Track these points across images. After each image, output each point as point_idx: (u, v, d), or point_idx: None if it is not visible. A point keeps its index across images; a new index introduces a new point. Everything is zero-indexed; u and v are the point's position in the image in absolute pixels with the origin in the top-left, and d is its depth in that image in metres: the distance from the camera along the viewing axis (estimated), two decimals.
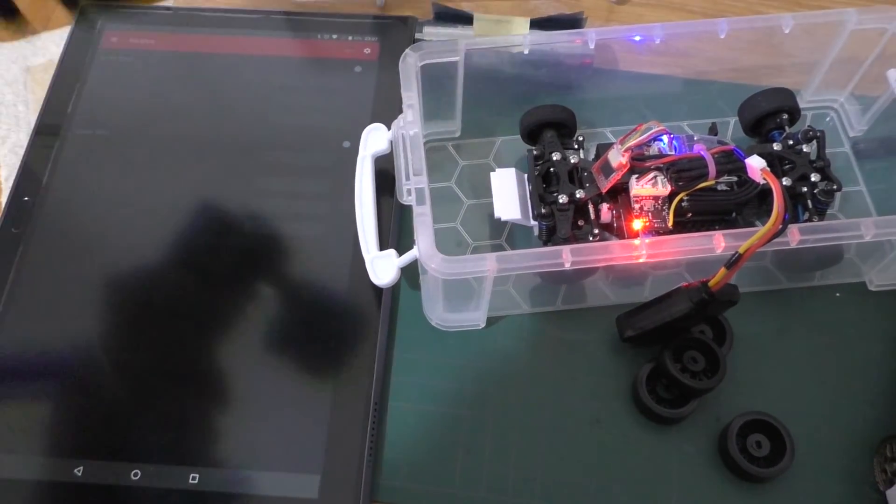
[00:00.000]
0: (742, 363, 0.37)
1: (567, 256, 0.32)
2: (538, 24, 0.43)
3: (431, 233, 0.32)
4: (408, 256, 0.35)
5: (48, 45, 0.49)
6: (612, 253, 0.33)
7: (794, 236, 0.32)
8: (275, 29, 0.47)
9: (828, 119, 0.44)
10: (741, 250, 0.32)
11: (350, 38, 0.46)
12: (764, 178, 0.34)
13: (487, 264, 0.32)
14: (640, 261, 0.33)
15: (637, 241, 0.33)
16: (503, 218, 0.38)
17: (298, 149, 0.42)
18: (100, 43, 0.46)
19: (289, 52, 0.46)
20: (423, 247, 0.32)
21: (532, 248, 0.32)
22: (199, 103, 0.44)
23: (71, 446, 0.34)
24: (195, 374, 0.36)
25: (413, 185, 0.33)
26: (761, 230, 0.32)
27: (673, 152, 0.37)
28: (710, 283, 0.33)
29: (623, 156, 0.36)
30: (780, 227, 0.32)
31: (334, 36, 0.46)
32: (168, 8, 0.48)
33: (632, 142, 0.35)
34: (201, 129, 0.43)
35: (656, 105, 0.44)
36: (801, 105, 0.40)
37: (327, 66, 0.45)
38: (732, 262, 0.32)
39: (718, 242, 0.32)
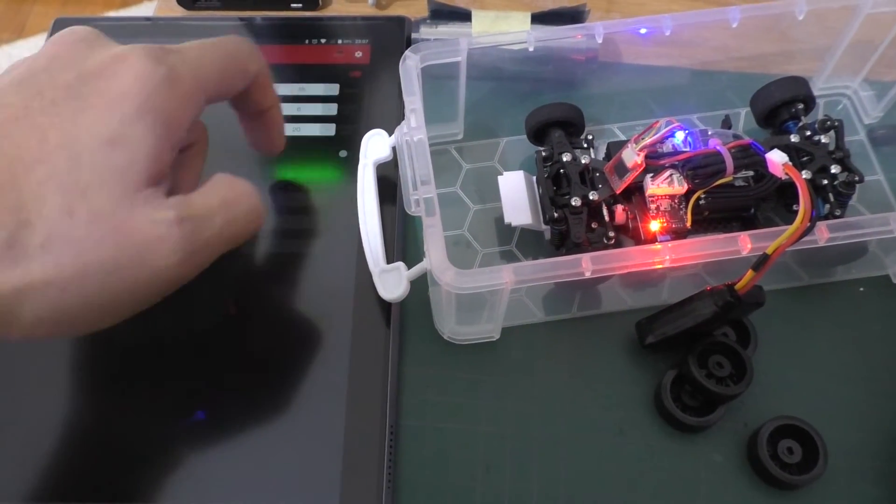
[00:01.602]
0: (766, 365, 0.36)
1: (587, 265, 0.30)
2: (539, 18, 0.42)
3: (443, 245, 0.31)
4: (417, 269, 0.34)
5: (23, 54, 0.46)
6: (634, 259, 0.31)
7: (823, 234, 0.31)
8: (259, 36, 0.45)
9: (840, 107, 0.43)
10: (769, 251, 0.30)
11: (340, 41, 0.44)
12: (786, 174, 0.33)
13: (504, 276, 0.30)
14: (664, 266, 0.31)
15: (659, 246, 0.31)
16: (514, 224, 0.37)
17: (292, 162, 0.40)
18: None
19: (276, 59, 0.44)
20: (436, 260, 0.31)
21: (549, 258, 0.31)
22: None
23: (66, 489, 0.32)
24: (198, 405, 0.34)
25: (421, 195, 0.32)
26: (789, 229, 0.30)
27: (688, 149, 0.36)
28: (738, 286, 0.31)
29: (638, 155, 0.34)
30: (809, 225, 0.30)
31: (323, 40, 0.44)
32: (147, 19, 0.46)
33: (647, 140, 0.34)
34: None
35: (664, 98, 0.42)
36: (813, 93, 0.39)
37: (317, 72, 0.43)
38: (760, 263, 0.30)
39: (745, 244, 0.31)
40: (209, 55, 0.30)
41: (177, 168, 0.30)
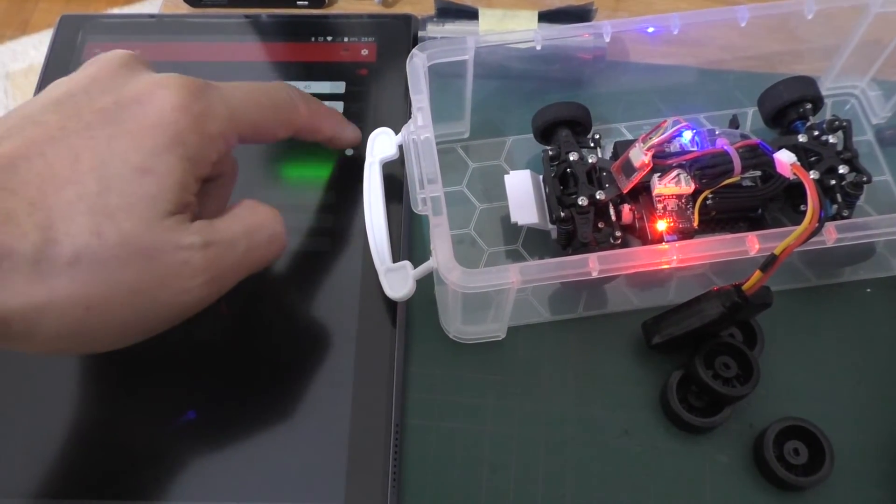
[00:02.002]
0: (773, 366, 0.36)
1: (594, 265, 0.30)
2: (546, 16, 0.42)
3: (450, 244, 0.31)
4: (424, 268, 0.34)
5: (27, 50, 0.47)
6: (641, 259, 0.31)
7: (831, 235, 0.31)
8: (265, 33, 0.45)
9: (847, 107, 0.42)
10: (777, 252, 0.30)
11: (346, 39, 0.44)
12: (794, 174, 0.33)
13: (510, 276, 0.30)
14: (671, 266, 0.31)
15: (666, 246, 0.31)
16: (520, 223, 0.36)
17: (298, 159, 0.40)
18: (82, 55, 0.44)
19: (281, 57, 0.44)
20: (442, 259, 0.30)
21: (556, 258, 0.31)
22: None
23: (75, 487, 0.32)
24: (202, 405, 0.34)
25: (428, 194, 0.32)
26: (797, 230, 0.30)
27: (695, 148, 0.35)
28: (745, 287, 0.31)
29: (645, 154, 0.34)
30: (817, 225, 0.30)
31: (329, 38, 0.44)
32: (152, 16, 0.46)
33: (655, 139, 0.34)
34: None
35: (671, 97, 0.42)
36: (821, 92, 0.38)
37: (323, 70, 0.43)
38: (768, 264, 0.30)
39: (752, 244, 0.31)
40: (253, 101, 0.31)
41: (202, 197, 0.30)
